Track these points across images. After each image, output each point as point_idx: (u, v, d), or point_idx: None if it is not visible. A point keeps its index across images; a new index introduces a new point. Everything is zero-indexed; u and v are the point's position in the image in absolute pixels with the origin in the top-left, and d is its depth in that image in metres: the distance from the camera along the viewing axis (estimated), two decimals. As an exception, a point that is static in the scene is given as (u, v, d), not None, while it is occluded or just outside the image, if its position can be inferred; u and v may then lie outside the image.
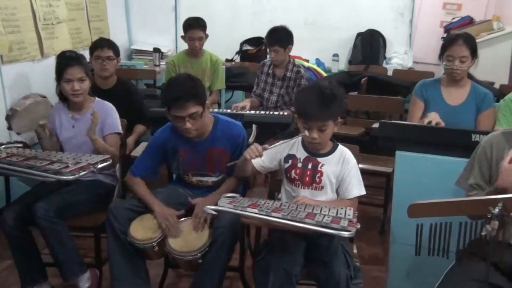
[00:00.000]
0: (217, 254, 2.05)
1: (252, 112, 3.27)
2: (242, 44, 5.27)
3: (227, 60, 5.10)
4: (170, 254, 2.12)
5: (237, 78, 4.44)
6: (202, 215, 2.13)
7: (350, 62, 5.24)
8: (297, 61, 3.84)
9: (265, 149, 1.98)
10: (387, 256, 2.46)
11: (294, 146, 2.08)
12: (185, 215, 2.21)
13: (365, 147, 2.85)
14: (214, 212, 1.97)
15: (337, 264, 1.89)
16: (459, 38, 2.62)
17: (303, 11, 5.23)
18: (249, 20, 5.32)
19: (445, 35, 4.52)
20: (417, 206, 1.63)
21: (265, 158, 2.11)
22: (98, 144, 2.40)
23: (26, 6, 3.37)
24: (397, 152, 2.30)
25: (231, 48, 5.21)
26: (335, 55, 5.16)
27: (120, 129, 2.56)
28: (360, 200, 2.06)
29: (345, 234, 1.71)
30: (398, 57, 5.11)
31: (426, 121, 2.49)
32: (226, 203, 1.93)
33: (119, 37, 4.71)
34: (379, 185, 3.39)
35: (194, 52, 3.80)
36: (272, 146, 2.06)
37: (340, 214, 1.80)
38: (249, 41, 5.25)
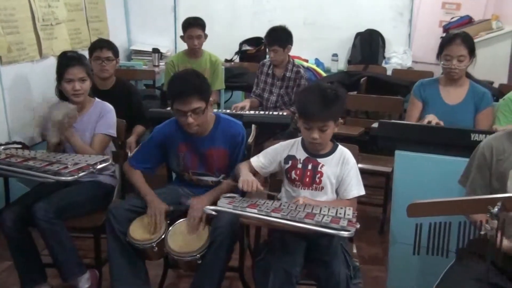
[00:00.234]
0: (216, 255, 2.05)
1: (252, 112, 3.28)
2: (241, 44, 5.27)
3: (226, 61, 5.10)
4: (170, 255, 2.12)
5: (237, 78, 4.44)
6: (196, 215, 2.13)
7: (349, 62, 5.24)
8: (296, 61, 3.84)
9: (259, 190, 1.97)
10: (387, 255, 2.46)
11: (293, 147, 2.07)
12: (184, 215, 2.21)
13: (364, 147, 2.85)
14: (213, 213, 1.97)
15: (337, 264, 1.89)
16: (457, 38, 2.62)
17: (303, 11, 5.23)
18: (248, 20, 5.31)
19: (444, 34, 4.53)
20: (417, 205, 1.63)
21: (264, 159, 2.11)
22: (74, 143, 2.37)
23: (25, 6, 3.37)
24: (397, 152, 2.31)
25: (230, 48, 5.21)
26: (335, 55, 5.16)
27: (112, 132, 2.54)
28: (359, 200, 2.06)
29: (345, 234, 1.71)
30: (397, 57, 5.12)
31: (425, 121, 2.50)
32: (225, 203, 1.93)
33: (118, 38, 4.71)
34: (378, 184, 3.39)
35: (194, 51, 3.80)
36: (270, 150, 2.08)
37: (340, 214, 1.80)
38: (249, 41, 5.25)
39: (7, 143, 2.48)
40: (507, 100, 2.60)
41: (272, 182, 2.33)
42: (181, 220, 2.19)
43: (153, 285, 2.37)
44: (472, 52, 2.64)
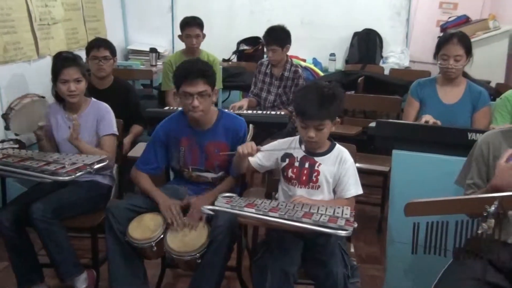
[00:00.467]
0: (216, 254, 2.05)
1: (249, 111, 3.28)
2: (239, 44, 5.27)
3: (224, 60, 5.10)
4: (169, 254, 2.11)
5: (234, 78, 4.44)
6: (197, 215, 2.13)
7: (347, 61, 5.25)
8: (294, 60, 3.84)
9: (259, 150, 1.99)
10: (385, 255, 2.47)
11: (291, 145, 2.07)
12: (184, 213, 2.21)
13: (362, 146, 2.86)
14: (211, 212, 1.97)
15: (334, 263, 1.89)
16: (454, 37, 2.63)
17: (300, 10, 5.23)
18: (246, 20, 5.31)
19: (441, 34, 4.54)
20: (414, 205, 1.64)
21: (261, 156, 2.11)
22: (82, 148, 2.37)
23: (22, 6, 3.36)
24: (394, 151, 2.31)
25: (228, 48, 5.21)
26: (332, 54, 5.16)
27: (115, 130, 2.55)
28: (357, 199, 2.06)
29: (342, 233, 1.71)
30: (394, 56, 5.12)
31: (422, 121, 2.50)
32: (223, 203, 1.93)
33: (115, 38, 4.70)
34: (376, 184, 3.39)
35: (191, 51, 3.80)
36: (267, 147, 2.07)
37: (337, 213, 1.80)
38: (246, 41, 5.25)
39: (2, 140, 2.47)
40: (504, 99, 2.61)
41: (270, 182, 2.33)
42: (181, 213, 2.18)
43: (151, 284, 2.37)
44: (469, 52, 2.65)
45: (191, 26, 3.72)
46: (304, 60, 5.05)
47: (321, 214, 1.78)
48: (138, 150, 2.84)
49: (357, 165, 2.12)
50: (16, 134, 2.58)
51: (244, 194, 2.32)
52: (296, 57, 4.78)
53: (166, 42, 5.36)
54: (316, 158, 2.02)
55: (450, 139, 2.23)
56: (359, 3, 5.20)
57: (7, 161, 2.22)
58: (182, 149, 2.32)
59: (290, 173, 2.03)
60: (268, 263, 1.89)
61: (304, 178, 2.02)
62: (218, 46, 4.73)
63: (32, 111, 2.39)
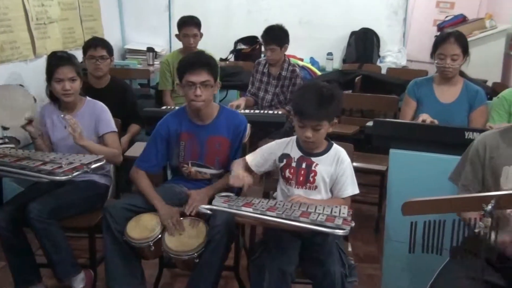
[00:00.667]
0: (214, 253, 2.05)
1: (247, 111, 3.28)
2: (236, 43, 5.26)
3: (221, 59, 5.09)
4: (167, 254, 2.11)
5: (232, 77, 4.43)
6: (195, 206, 2.13)
7: (344, 60, 5.25)
8: (292, 60, 3.84)
9: (249, 184, 2.00)
10: (382, 254, 2.47)
11: (288, 145, 2.07)
12: (182, 214, 2.21)
13: (359, 145, 2.86)
14: (208, 212, 1.97)
15: (332, 263, 1.90)
16: (451, 36, 2.63)
17: (298, 10, 5.22)
18: (243, 19, 5.31)
19: (438, 33, 4.54)
20: (411, 204, 1.64)
21: (260, 158, 2.10)
22: (91, 148, 2.36)
23: (18, 5, 3.35)
24: (391, 150, 2.31)
25: (225, 47, 5.20)
26: (329, 53, 5.16)
27: (115, 127, 2.55)
28: (354, 198, 2.06)
29: (340, 232, 1.72)
30: (392, 56, 5.12)
31: (419, 120, 2.51)
32: (220, 202, 1.93)
33: (112, 37, 4.69)
34: (373, 183, 3.40)
35: (189, 50, 3.78)
36: (264, 150, 2.09)
37: (335, 212, 1.81)
38: (244, 40, 5.24)
39: (-2, 141, 2.46)
40: (501, 98, 2.62)
41: (267, 181, 2.33)
42: (180, 220, 2.18)
43: (149, 284, 2.36)
44: (465, 51, 2.65)
45: (189, 25, 3.72)
46: (302, 59, 5.05)
47: (319, 213, 1.78)
48: (135, 150, 2.84)
49: (355, 164, 2.13)
50: (4, 128, 2.54)
51: (241, 193, 2.32)
52: (294, 57, 4.78)
53: (163, 41, 5.35)
54: (313, 159, 2.02)
55: (447, 138, 2.23)
56: (357, 2, 5.20)
57: (4, 160, 2.22)
58: (183, 144, 2.33)
59: (287, 174, 2.03)
60: (266, 263, 1.89)
61: (301, 178, 2.02)
62: (215, 45, 4.71)
63: (10, 99, 2.36)
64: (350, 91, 4.15)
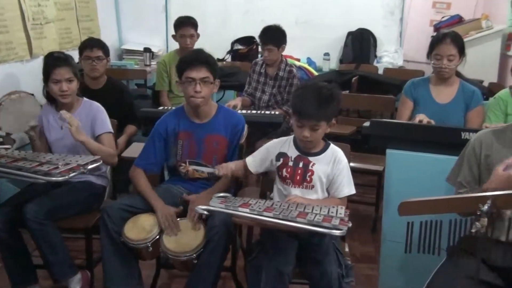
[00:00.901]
0: (213, 254, 2.05)
1: (244, 111, 3.27)
2: (233, 43, 5.26)
3: (218, 60, 5.05)
4: (165, 255, 2.11)
5: (229, 77, 4.43)
6: (195, 213, 2.12)
7: (341, 61, 5.26)
8: (289, 60, 3.84)
9: (235, 173, 2.06)
10: (379, 254, 2.47)
11: (285, 145, 2.07)
12: (180, 214, 2.20)
13: (356, 145, 2.86)
14: (205, 212, 1.96)
15: (329, 263, 1.90)
16: (447, 37, 2.64)
17: (295, 10, 5.23)
18: (240, 20, 5.31)
19: (435, 33, 4.55)
20: (408, 204, 1.64)
21: (258, 158, 2.10)
22: (90, 145, 2.36)
23: (15, 5, 3.34)
24: (388, 151, 2.31)
25: (222, 48, 5.21)
26: (326, 54, 5.17)
27: (111, 128, 2.54)
28: (351, 198, 2.06)
29: (337, 232, 1.71)
30: (388, 56, 5.14)
31: (416, 120, 2.51)
32: (217, 203, 1.93)
33: (109, 37, 4.69)
34: (370, 183, 3.40)
35: (185, 50, 3.79)
36: (261, 150, 2.11)
37: (332, 212, 1.80)
38: (240, 41, 5.25)
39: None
40: (498, 98, 2.63)
41: (264, 182, 2.33)
42: (177, 220, 2.18)
43: (146, 285, 2.36)
44: (462, 51, 2.66)
45: (185, 26, 3.71)
46: (299, 60, 5.06)
47: (316, 214, 1.78)
48: (132, 150, 2.83)
49: (352, 164, 2.13)
50: (8, 134, 2.56)
51: (238, 194, 2.32)
52: (291, 57, 4.79)
53: (160, 41, 5.35)
54: (311, 158, 2.02)
55: (444, 139, 2.24)
56: (353, 3, 5.21)
57: (0, 161, 2.21)
58: (180, 142, 2.33)
59: (284, 173, 2.03)
60: (263, 263, 1.89)
61: (298, 177, 2.02)
62: (212, 45, 4.66)
63: (21, 109, 2.37)
64: (347, 91, 4.15)
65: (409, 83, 2.88)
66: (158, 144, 2.34)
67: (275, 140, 2.12)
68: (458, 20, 4.85)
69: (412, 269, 2.24)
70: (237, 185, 2.42)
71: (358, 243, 3.08)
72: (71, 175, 2.09)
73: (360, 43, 5.13)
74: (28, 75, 3.43)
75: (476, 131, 2.07)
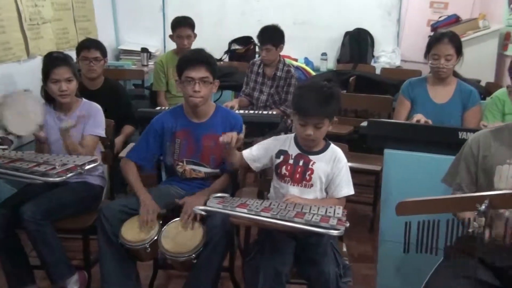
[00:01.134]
0: (212, 254, 2.05)
1: (241, 111, 3.28)
2: (230, 43, 5.26)
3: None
4: (164, 256, 2.10)
5: (226, 77, 4.42)
6: (191, 212, 2.12)
7: (338, 61, 5.26)
8: (287, 60, 3.84)
9: (240, 139, 2.02)
10: (377, 254, 2.48)
11: (286, 142, 2.08)
12: (176, 215, 2.20)
13: (353, 145, 2.86)
14: (203, 213, 1.96)
15: (326, 263, 1.90)
16: (444, 37, 2.64)
17: (292, 10, 5.23)
18: (237, 20, 5.31)
19: (432, 33, 4.55)
20: (405, 204, 1.64)
21: (256, 153, 2.10)
22: (69, 140, 2.33)
23: (11, 6, 3.33)
24: (386, 150, 2.31)
25: (219, 48, 5.20)
26: (324, 54, 5.17)
27: (101, 132, 2.52)
28: (349, 198, 2.06)
29: (334, 232, 1.71)
30: (386, 56, 5.14)
31: (413, 120, 2.51)
32: (215, 203, 1.92)
33: (106, 37, 4.68)
34: (368, 183, 3.40)
35: (183, 51, 3.79)
36: (262, 143, 2.09)
37: (329, 212, 1.81)
38: (238, 41, 5.24)
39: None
40: (495, 98, 2.63)
41: (262, 181, 2.33)
42: (174, 220, 2.17)
43: (143, 286, 2.36)
44: (459, 51, 2.66)
45: (182, 26, 3.71)
46: (296, 60, 5.05)
47: (313, 214, 1.78)
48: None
49: (349, 164, 2.12)
50: (18, 136, 2.52)
51: (236, 194, 2.32)
52: (288, 57, 4.78)
53: (158, 41, 5.34)
54: (311, 157, 2.02)
55: (441, 138, 2.24)
56: (350, 2, 5.21)
57: (-3, 162, 2.20)
58: (178, 141, 2.33)
59: (284, 170, 2.03)
60: (261, 263, 1.89)
61: (297, 176, 2.02)
62: (209, 45, 4.64)
63: (23, 106, 2.34)
64: (345, 91, 4.15)
65: (406, 82, 2.88)
66: (152, 140, 2.34)
67: (275, 137, 2.13)
68: (455, 20, 4.86)
69: (410, 269, 2.24)
70: (235, 185, 2.42)
71: (356, 242, 3.08)
72: (68, 175, 2.09)
73: (358, 43, 5.13)
74: (25, 75, 3.41)
75: (473, 130, 2.08)
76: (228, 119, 2.35)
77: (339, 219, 1.75)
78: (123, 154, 2.88)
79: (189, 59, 2.26)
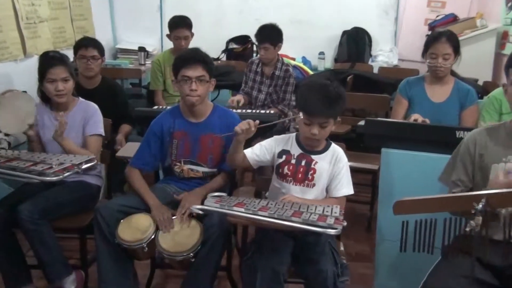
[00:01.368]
0: (210, 253, 2.05)
1: (239, 110, 3.27)
2: (228, 42, 5.25)
3: (213, 59, 5.05)
4: (161, 255, 2.10)
5: (224, 76, 4.42)
6: (187, 206, 2.12)
7: (336, 60, 5.26)
8: (285, 59, 3.84)
9: (256, 125, 1.97)
10: (374, 253, 2.48)
11: (288, 142, 2.08)
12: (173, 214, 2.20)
13: (351, 144, 2.86)
14: (200, 212, 1.96)
15: (324, 262, 1.90)
16: (442, 36, 2.65)
17: (289, 9, 5.23)
18: (235, 19, 5.30)
19: (429, 32, 4.56)
20: (402, 203, 1.64)
21: (259, 152, 2.08)
22: (66, 146, 2.35)
23: (8, 5, 3.32)
24: (383, 150, 2.32)
25: (217, 47, 5.19)
26: (321, 53, 5.17)
27: (101, 131, 2.53)
28: (347, 197, 2.06)
29: (332, 231, 1.71)
30: (383, 55, 5.14)
31: (411, 119, 2.52)
32: (212, 202, 1.92)
33: (103, 36, 4.66)
34: (365, 182, 3.40)
35: (180, 51, 3.78)
36: (265, 143, 2.08)
37: (327, 212, 1.81)
38: (235, 40, 5.23)
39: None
40: (492, 98, 2.63)
41: (259, 180, 2.33)
42: (171, 218, 2.17)
43: (141, 285, 2.36)
44: (457, 50, 2.66)
45: (180, 27, 3.71)
46: (294, 59, 5.05)
47: (311, 213, 1.78)
48: (126, 150, 2.82)
49: (347, 163, 2.13)
50: (6, 135, 2.53)
51: (233, 193, 2.32)
52: (286, 56, 4.78)
53: (155, 40, 5.33)
54: (313, 156, 2.02)
55: (438, 137, 2.24)
56: (348, 2, 5.21)
57: (-6, 161, 2.20)
58: (175, 141, 2.32)
59: (286, 170, 2.03)
60: (258, 263, 1.89)
61: (300, 175, 2.02)
62: (207, 44, 4.64)
63: (17, 106, 2.35)
64: (342, 90, 4.15)
65: (404, 81, 2.88)
66: (153, 144, 2.33)
67: (276, 137, 2.12)
68: (452, 19, 4.87)
69: (407, 268, 2.24)
70: (232, 185, 2.42)
71: (353, 241, 3.08)
72: (65, 174, 2.09)
73: (355, 42, 5.13)
74: (22, 74, 3.40)
75: (470, 130, 2.08)
76: (225, 119, 2.34)
77: (336, 218, 1.75)
78: (120, 153, 2.87)
79: (185, 58, 2.25)
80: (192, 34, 3.79)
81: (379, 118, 2.79)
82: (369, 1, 5.20)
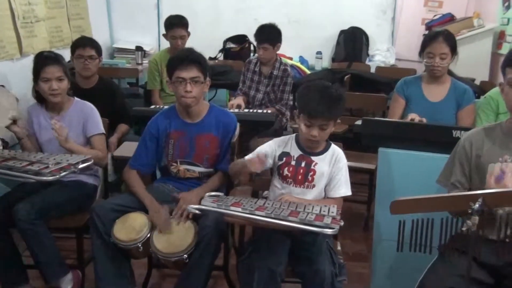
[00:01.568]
0: (204, 253, 2.05)
1: (236, 110, 3.27)
2: (225, 42, 5.25)
3: (210, 58, 5.06)
4: (155, 255, 2.10)
5: (221, 76, 4.42)
6: (184, 208, 2.12)
7: (333, 59, 5.26)
8: (283, 59, 3.84)
9: (262, 159, 1.96)
10: (371, 252, 2.48)
11: (288, 144, 2.08)
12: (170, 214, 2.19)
13: (348, 144, 2.85)
14: (197, 212, 1.96)
15: (322, 262, 1.90)
16: (439, 35, 2.65)
17: (287, 9, 5.23)
18: (232, 18, 5.29)
19: (426, 32, 4.57)
20: (399, 202, 1.65)
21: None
22: (75, 150, 2.34)
23: (4, 4, 3.31)
24: (380, 149, 2.32)
25: (214, 46, 5.19)
26: (319, 52, 5.17)
27: (102, 129, 2.53)
28: (344, 197, 2.07)
29: (329, 231, 1.72)
30: (380, 54, 5.15)
31: (408, 118, 2.52)
32: (209, 202, 1.92)
33: (100, 36, 4.64)
34: (362, 182, 3.40)
35: (177, 50, 3.77)
36: (265, 147, 2.07)
37: (324, 211, 1.81)
38: (233, 39, 5.23)
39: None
40: (488, 98, 2.63)
41: (256, 180, 2.33)
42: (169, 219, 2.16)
43: (138, 284, 2.35)
44: (454, 50, 2.67)
45: (176, 27, 3.70)
46: (291, 58, 5.05)
47: (308, 213, 1.78)
48: (124, 150, 2.82)
49: (344, 163, 2.13)
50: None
51: (230, 193, 2.32)
52: (283, 55, 4.78)
53: (152, 40, 5.31)
54: (313, 158, 2.02)
55: (435, 137, 2.25)
56: (345, 1, 5.21)
57: (-10, 161, 2.19)
58: (172, 142, 2.32)
59: (286, 172, 2.03)
60: (255, 262, 1.89)
61: (300, 177, 2.02)
62: (204, 44, 4.65)
63: None
64: (339, 89, 4.15)
65: (401, 81, 2.88)
66: (150, 144, 2.33)
67: (275, 139, 2.12)
68: (449, 18, 4.88)
69: (404, 268, 2.25)
70: (229, 184, 2.42)
71: (350, 241, 3.09)
72: (61, 174, 2.08)
73: (352, 41, 5.13)
74: (19, 74, 3.39)
75: (467, 129, 2.08)
76: (222, 119, 2.34)
77: (333, 218, 1.75)
78: (117, 153, 2.87)
79: (179, 59, 2.23)
80: (189, 34, 3.78)
81: (376, 118, 2.80)
82: (366, 0, 5.21)
